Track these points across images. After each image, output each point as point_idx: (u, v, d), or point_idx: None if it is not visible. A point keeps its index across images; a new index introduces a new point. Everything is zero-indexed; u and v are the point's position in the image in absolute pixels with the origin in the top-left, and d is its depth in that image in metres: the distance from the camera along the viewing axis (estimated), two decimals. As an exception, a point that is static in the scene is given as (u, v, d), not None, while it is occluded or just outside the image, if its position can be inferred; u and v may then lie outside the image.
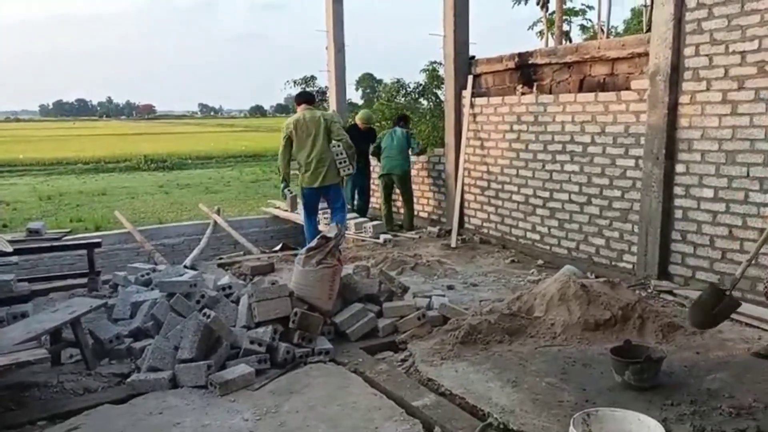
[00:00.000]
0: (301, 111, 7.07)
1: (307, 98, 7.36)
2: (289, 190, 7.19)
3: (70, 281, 6.13)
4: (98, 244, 6.30)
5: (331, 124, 6.96)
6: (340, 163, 6.94)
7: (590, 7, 30.06)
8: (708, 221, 5.21)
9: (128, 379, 3.77)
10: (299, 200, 7.42)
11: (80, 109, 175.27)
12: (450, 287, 5.76)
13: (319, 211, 7.73)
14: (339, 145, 6.93)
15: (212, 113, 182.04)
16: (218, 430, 3.22)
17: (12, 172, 22.65)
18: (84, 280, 5.98)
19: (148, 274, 5.65)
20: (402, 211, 9.09)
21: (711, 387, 3.48)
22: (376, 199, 10.07)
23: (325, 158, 6.90)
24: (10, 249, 5.29)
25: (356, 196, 9.47)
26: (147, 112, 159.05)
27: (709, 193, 5.18)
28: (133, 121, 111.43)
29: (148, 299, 4.78)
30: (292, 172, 7.29)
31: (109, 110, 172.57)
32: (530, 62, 7.14)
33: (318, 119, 6.94)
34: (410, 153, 8.84)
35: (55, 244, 6.30)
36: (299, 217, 9.00)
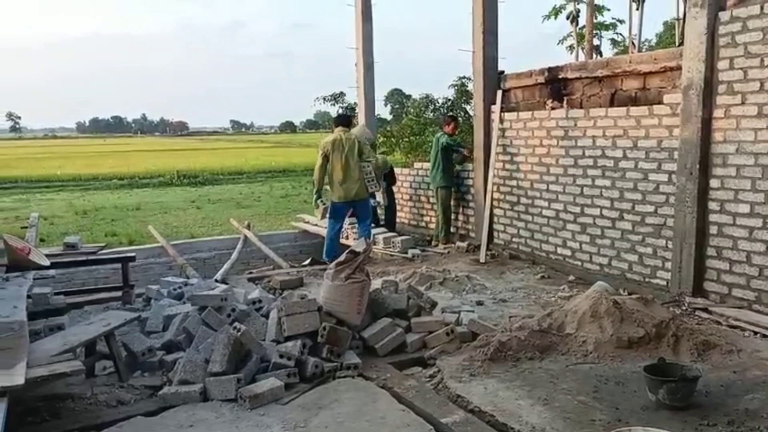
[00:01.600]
0: (338, 132, 7.77)
1: (344, 121, 8.08)
2: (322, 201, 7.85)
3: (104, 294, 6.25)
4: (132, 259, 6.42)
5: (362, 146, 7.75)
6: (369, 180, 7.77)
7: (621, 21, 29.83)
8: (744, 237, 5.09)
9: (160, 392, 3.81)
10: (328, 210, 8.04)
11: (116, 126, 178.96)
12: (479, 303, 5.72)
13: (347, 224, 8.43)
14: (368, 165, 7.80)
15: (243, 129, 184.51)
16: (248, 443, 3.24)
17: (50, 188, 23.25)
18: (118, 294, 6.09)
19: (180, 287, 5.73)
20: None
21: (749, 407, 3.39)
22: (404, 214, 10.10)
23: (356, 175, 7.65)
24: (47, 262, 5.41)
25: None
26: (180, 129, 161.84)
27: (745, 208, 5.07)
28: (166, 137, 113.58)
29: (180, 312, 4.85)
30: (324, 186, 7.92)
31: (144, 127, 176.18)
32: (560, 77, 7.11)
33: (353, 140, 7.69)
34: (453, 158, 8.69)
35: (91, 258, 6.43)
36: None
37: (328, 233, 7.99)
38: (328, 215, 7.88)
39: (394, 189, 9.77)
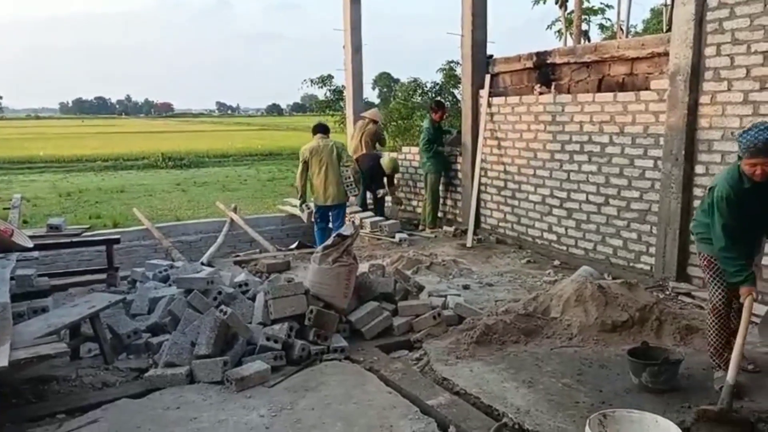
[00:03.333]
0: (317, 139, 7.97)
1: (322, 129, 8.19)
2: (306, 206, 8.25)
3: (89, 277, 6.20)
4: (117, 241, 6.36)
5: (341, 152, 7.94)
6: (348, 186, 8.03)
7: (609, 6, 29.77)
8: (728, 223, 5.13)
9: (146, 374, 3.81)
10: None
11: (100, 107, 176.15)
12: (465, 287, 5.75)
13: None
14: (347, 170, 8.09)
15: (230, 112, 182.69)
16: (234, 425, 3.25)
17: (32, 169, 22.89)
18: (103, 276, 6.05)
19: (165, 270, 5.71)
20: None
21: (730, 390, 3.44)
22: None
23: (334, 181, 7.85)
24: (30, 244, 5.35)
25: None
26: (165, 110, 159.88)
27: (729, 194, 5.11)
28: (151, 119, 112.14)
29: (165, 295, 4.84)
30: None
31: (128, 108, 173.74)
32: (548, 62, 7.11)
33: (331, 147, 7.88)
34: (444, 140, 8.69)
35: (75, 240, 6.37)
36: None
37: (316, 235, 8.21)
38: (313, 218, 8.18)
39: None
